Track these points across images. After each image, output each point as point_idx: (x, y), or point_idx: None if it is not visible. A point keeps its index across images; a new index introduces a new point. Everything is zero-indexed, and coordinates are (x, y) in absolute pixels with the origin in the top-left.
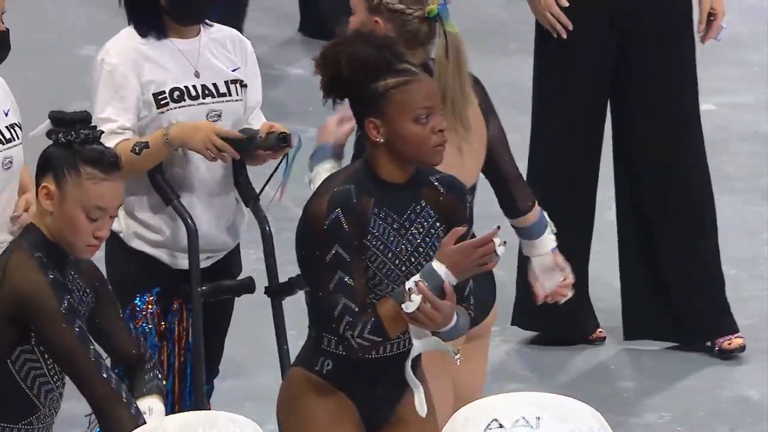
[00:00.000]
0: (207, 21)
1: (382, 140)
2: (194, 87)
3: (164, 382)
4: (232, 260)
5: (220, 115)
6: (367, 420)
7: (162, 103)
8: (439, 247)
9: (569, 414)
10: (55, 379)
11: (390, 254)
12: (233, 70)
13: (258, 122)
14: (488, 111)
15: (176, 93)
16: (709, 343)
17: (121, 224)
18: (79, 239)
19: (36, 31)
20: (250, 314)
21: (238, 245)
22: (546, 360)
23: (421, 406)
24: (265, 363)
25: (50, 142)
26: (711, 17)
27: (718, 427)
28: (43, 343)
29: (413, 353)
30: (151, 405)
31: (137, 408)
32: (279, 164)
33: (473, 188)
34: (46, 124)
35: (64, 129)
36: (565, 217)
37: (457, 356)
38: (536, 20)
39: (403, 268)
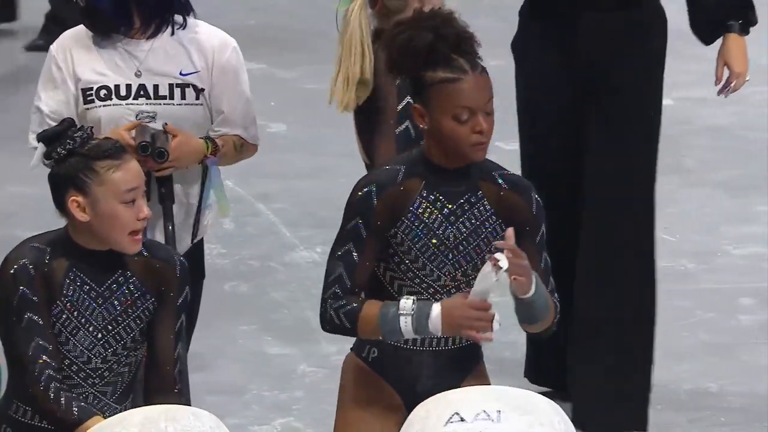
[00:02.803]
0: (185, 19)
1: (426, 127)
2: (128, 86)
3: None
4: (194, 257)
5: (154, 117)
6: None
7: (88, 99)
8: (495, 240)
9: (529, 407)
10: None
11: (434, 239)
12: (186, 74)
13: (221, 131)
14: None
15: (103, 91)
16: None
17: None
18: (125, 230)
19: None
20: (212, 308)
21: (202, 242)
22: None
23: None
24: (228, 357)
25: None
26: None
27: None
28: None
29: (474, 294)
30: None
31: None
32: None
33: None
34: (40, 148)
35: (58, 143)
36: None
37: (497, 321)
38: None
39: (450, 256)
